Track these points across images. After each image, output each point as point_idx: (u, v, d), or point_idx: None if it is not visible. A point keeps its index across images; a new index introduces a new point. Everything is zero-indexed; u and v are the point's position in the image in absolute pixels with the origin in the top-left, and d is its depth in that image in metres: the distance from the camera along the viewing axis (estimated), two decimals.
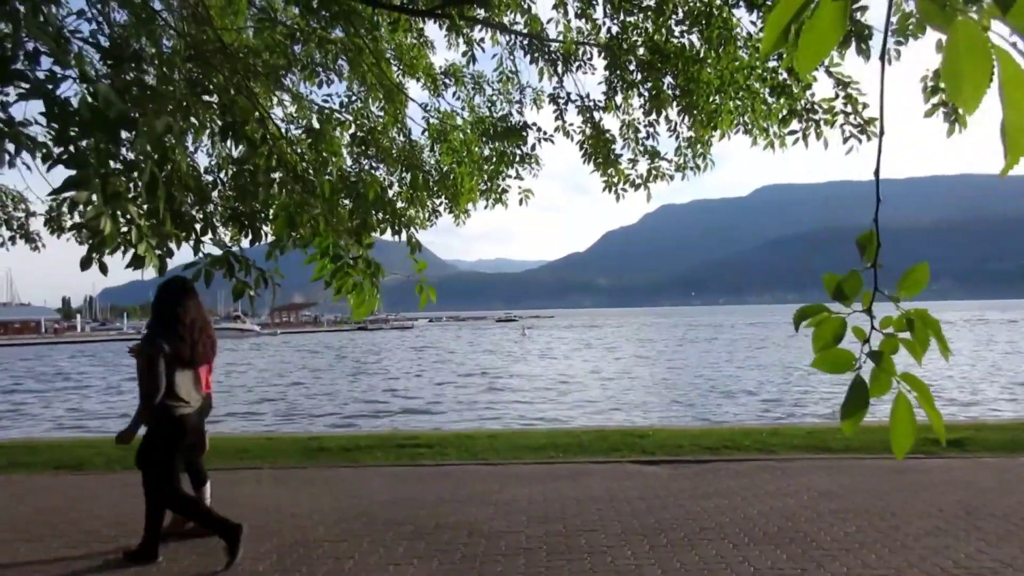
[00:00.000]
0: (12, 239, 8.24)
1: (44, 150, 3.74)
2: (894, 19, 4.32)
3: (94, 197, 2.65)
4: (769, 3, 5.08)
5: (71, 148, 2.81)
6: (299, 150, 5.10)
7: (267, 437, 10.16)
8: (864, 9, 4.45)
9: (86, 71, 2.99)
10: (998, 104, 0.90)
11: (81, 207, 2.68)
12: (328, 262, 3.95)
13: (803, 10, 0.98)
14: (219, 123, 3.71)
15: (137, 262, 3.08)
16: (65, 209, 7.05)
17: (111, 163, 2.89)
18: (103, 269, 3.08)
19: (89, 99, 2.78)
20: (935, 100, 4.34)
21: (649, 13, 5.83)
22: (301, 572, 4.39)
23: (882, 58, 1.14)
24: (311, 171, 4.59)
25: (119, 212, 2.84)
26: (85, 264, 2.98)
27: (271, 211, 4.02)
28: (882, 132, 1.23)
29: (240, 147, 3.91)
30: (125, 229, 3.02)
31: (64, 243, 7.35)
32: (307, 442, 8.94)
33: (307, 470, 7.44)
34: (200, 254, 3.65)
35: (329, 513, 5.68)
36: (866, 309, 1.21)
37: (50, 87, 2.83)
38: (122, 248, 3.12)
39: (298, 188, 4.08)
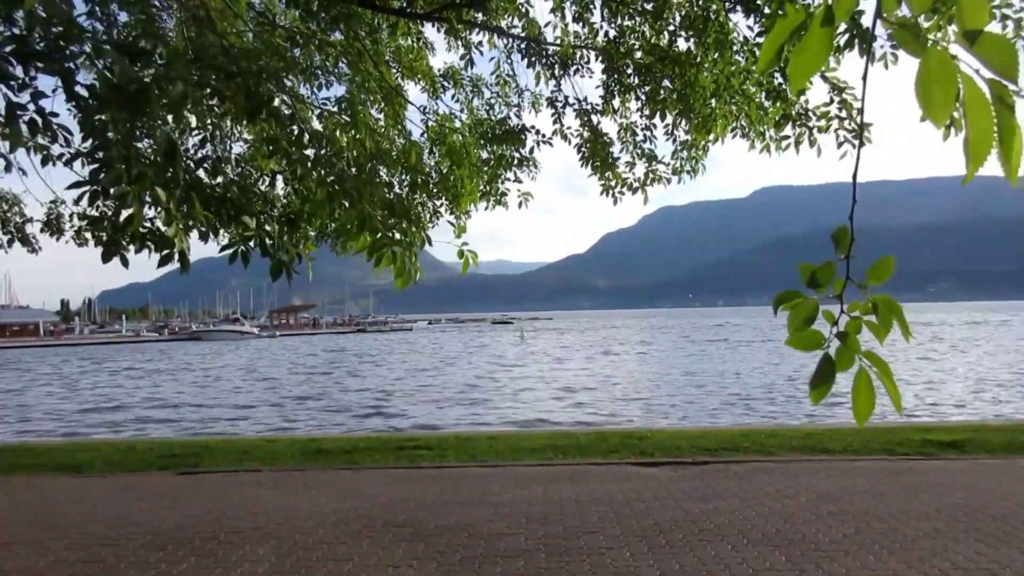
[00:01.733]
0: (10, 242, 8.25)
1: (45, 152, 3.75)
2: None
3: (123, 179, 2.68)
4: (767, 10, 5.10)
5: (94, 133, 2.83)
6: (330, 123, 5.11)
7: (267, 439, 10.17)
8: (862, 13, 4.46)
9: (100, 48, 2.98)
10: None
11: (111, 190, 2.70)
12: (367, 234, 3.96)
13: (796, 33, 1.10)
14: (244, 105, 3.65)
15: (166, 245, 3.08)
16: (69, 209, 7.07)
17: (133, 145, 2.91)
18: (124, 262, 3.11)
19: (107, 75, 2.79)
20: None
21: (647, 17, 5.84)
22: (300, 574, 4.40)
23: (864, 78, 1.24)
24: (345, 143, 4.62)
25: (146, 196, 2.85)
26: (107, 256, 3.01)
27: (312, 190, 4.03)
28: (861, 143, 1.41)
29: (272, 125, 3.87)
30: (152, 215, 3.04)
31: (63, 246, 7.36)
32: (307, 444, 8.95)
33: (306, 472, 7.45)
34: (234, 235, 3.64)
35: (328, 515, 5.69)
36: (837, 295, 1.32)
37: (67, 65, 2.84)
38: (149, 244, 3.14)
39: (340, 163, 4.07)
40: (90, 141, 2.86)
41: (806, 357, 32.88)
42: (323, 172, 3.94)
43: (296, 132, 3.92)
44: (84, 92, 2.88)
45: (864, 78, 1.26)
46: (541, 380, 27.03)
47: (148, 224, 3.33)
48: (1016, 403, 17.70)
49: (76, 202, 3.11)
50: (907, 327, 1.31)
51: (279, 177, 5.34)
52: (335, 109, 5.88)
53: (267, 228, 3.72)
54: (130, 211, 2.75)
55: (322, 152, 4.02)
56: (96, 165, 2.81)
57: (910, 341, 1.36)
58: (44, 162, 3.62)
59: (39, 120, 2.84)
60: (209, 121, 4.07)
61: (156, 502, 6.28)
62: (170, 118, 3.65)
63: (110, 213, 3.73)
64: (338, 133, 5.05)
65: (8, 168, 3.43)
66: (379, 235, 3.89)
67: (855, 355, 1.28)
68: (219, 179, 3.91)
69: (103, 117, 2.82)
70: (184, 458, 8.18)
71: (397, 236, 4.02)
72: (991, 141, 1.00)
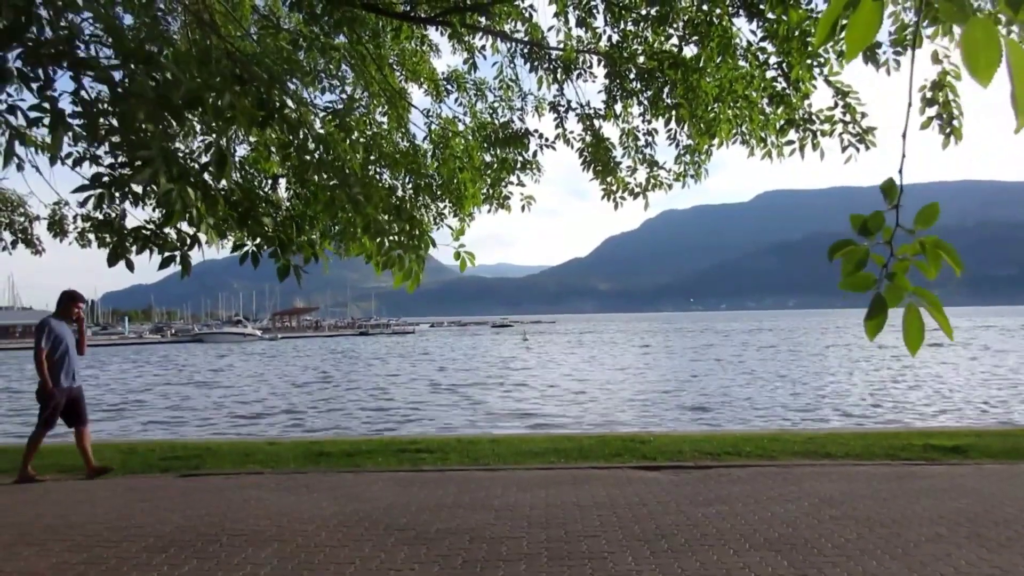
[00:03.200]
0: (14, 243, 8.27)
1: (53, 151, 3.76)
2: (892, 29, 4.35)
3: (162, 178, 2.72)
4: (770, 15, 5.11)
5: (134, 133, 2.87)
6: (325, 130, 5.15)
7: (269, 442, 10.17)
8: None
9: (147, 53, 3.00)
10: (997, 104, 1.09)
11: (153, 188, 2.75)
12: (368, 239, 3.98)
13: (848, 8, 1.23)
14: (255, 113, 3.69)
15: (169, 247, 3.12)
16: (73, 211, 7.10)
17: (170, 144, 2.97)
18: (129, 265, 3.13)
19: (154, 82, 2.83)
20: (931, 112, 4.37)
21: (649, 22, 5.85)
22: None
23: (912, 46, 1.32)
24: (341, 150, 4.66)
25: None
26: (113, 259, 3.03)
27: (313, 194, 4.07)
28: (909, 105, 1.51)
29: (283, 131, 3.90)
30: (155, 216, 3.08)
31: (66, 247, 7.40)
32: (309, 446, 8.95)
33: (308, 475, 7.45)
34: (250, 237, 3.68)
35: (330, 518, 5.69)
36: (887, 241, 1.45)
37: (112, 73, 2.87)
38: (152, 244, 3.17)
39: (338, 167, 4.10)
40: (116, 141, 2.89)
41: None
42: (325, 176, 3.96)
43: (302, 137, 3.94)
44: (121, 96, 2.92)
45: (912, 61, 1.47)
46: (555, 382, 27.03)
47: (151, 226, 3.35)
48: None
49: (81, 204, 3.14)
50: (958, 261, 1.45)
51: (281, 180, 5.36)
52: (332, 114, 5.90)
53: (284, 228, 3.76)
54: (174, 208, 2.79)
55: (327, 156, 4.04)
56: (110, 168, 2.83)
57: (959, 273, 1.49)
58: (52, 162, 3.64)
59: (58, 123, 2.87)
60: (214, 124, 4.09)
61: (158, 504, 6.29)
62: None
63: (114, 216, 3.74)
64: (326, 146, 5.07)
65: (20, 167, 3.45)
66: (385, 239, 3.90)
67: (904, 292, 1.41)
68: (223, 183, 3.94)
69: (141, 120, 2.87)
70: (186, 460, 8.19)
71: (403, 240, 4.03)
72: None
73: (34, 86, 2.79)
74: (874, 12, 1.19)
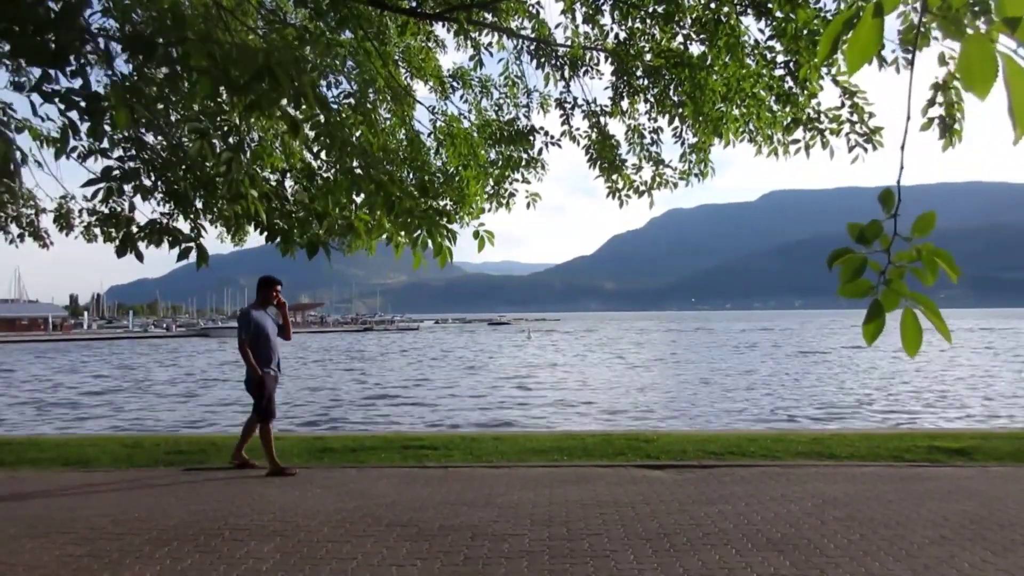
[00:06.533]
0: (21, 236, 8.29)
1: (58, 144, 3.78)
2: (901, 28, 4.32)
3: (207, 149, 2.79)
4: (779, 13, 5.08)
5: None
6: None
7: (273, 437, 10.18)
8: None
9: (207, 31, 3.05)
10: (1004, 105, 1.17)
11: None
12: (388, 222, 4.00)
13: (849, 25, 1.28)
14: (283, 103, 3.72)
15: (183, 239, 3.17)
16: (79, 204, 7.12)
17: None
18: (139, 256, 3.17)
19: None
20: (932, 113, 4.32)
21: (657, 20, 5.83)
22: (304, 573, 4.40)
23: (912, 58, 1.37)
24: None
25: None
26: (121, 250, 3.08)
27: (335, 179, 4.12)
28: (908, 120, 1.56)
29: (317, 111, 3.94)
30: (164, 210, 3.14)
31: (72, 241, 7.41)
32: (312, 442, 8.97)
33: (312, 470, 7.47)
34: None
35: (333, 514, 5.70)
36: (885, 249, 1.49)
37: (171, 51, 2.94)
38: (168, 238, 3.21)
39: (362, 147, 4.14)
40: (127, 135, 2.95)
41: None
42: (348, 160, 3.99)
43: (330, 116, 3.98)
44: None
45: (911, 65, 1.55)
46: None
47: (164, 220, 3.37)
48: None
49: (90, 199, 3.16)
50: (954, 267, 1.46)
51: (287, 176, 5.36)
52: (346, 104, 5.91)
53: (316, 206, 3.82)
54: (235, 176, 2.86)
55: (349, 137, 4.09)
56: (119, 161, 2.87)
57: (956, 280, 1.52)
58: (58, 156, 3.64)
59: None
60: (221, 119, 4.10)
61: (162, 498, 6.31)
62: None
63: (119, 209, 3.76)
64: (348, 130, 5.10)
65: (24, 160, 3.47)
66: (411, 217, 3.91)
67: (900, 297, 1.45)
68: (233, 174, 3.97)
69: (204, 96, 2.96)
70: (190, 454, 8.22)
71: (431, 215, 4.04)
72: None
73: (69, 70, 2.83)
74: (874, 29, 1.22)
